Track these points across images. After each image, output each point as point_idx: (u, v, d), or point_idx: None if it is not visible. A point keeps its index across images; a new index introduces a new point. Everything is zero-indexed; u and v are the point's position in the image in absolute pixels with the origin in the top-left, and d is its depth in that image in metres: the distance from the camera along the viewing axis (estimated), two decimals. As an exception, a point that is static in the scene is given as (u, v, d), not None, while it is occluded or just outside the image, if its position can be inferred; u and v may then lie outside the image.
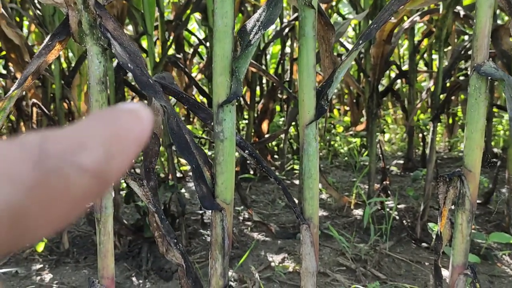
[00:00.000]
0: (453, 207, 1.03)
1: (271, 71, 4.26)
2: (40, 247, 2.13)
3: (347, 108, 5.08)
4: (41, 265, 2.10)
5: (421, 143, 3.48)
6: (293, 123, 3.42)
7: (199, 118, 0.98)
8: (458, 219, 0.96)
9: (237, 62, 0.84)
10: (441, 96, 2.28)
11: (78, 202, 0.19)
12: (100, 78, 0.82)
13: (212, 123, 0.94)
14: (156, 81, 0.89)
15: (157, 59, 2.44)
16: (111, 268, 0.90)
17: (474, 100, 0.92)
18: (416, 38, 2.99)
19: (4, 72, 3.71)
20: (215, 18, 0.82)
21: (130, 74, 3.84)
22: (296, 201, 2.83)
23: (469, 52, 2.50)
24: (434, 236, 1.97)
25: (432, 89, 2.41)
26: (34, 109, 2.07)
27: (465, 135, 0.94)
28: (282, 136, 3.48)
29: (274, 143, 3.96)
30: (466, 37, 3.25)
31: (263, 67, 3.54)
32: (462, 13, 2.32)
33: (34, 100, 2.04)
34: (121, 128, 0.20)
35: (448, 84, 2.38)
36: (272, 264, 2.06)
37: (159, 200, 0.96)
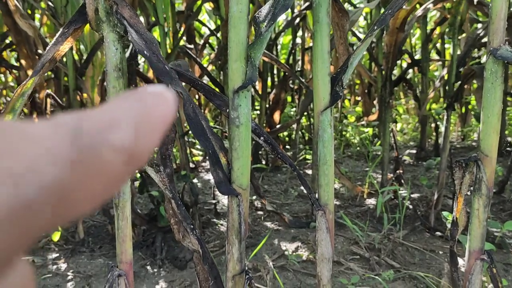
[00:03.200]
0: (469, 193, 1.02)
1: (282, 61, 4.24)
2: (56, 237, 2.16)
3: (358, 98, 5.06)
4: (57, 254, 2.13)
5: (434, 133, 3.46)
6: (304, 113, 3.42)
7: (214, 105, 0.98)
8: (474, 204, 0.96)
9: (252, 48, 0.84)
10: (455, 84, 2.27)
11: (112, 180, 0.19)
12: (117, 65, 0.83)
13: (227, 110, 0.94)
14: (172, 69, 0.89)
15: (169, 50, 2.44)
16: (129, 253, 0.91)
17: (490, 84, 0.91)
18: (428, 27, 2.96)
19: (16, 64, 3.74)
20: (230, 4, 0.82)
21: (141, 65, 3.85)
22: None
23: (483, 40, 2.47)
24: (448, 225, 1.96)
25: (445, 77, 2.40)
26: (48, 100, 2.08)
27: (481, 120, 0.94)
28: (294, 126, 3.48)
29: (285, 133, 3.96)
30: (479, 25, 3.21)
31: (275, 57, 3.53)
32: None
33: (49, 91, 2.05)
34: (149, 109, 0.21)
35: (461, 72, 2.36)
36: (286, 253, 2.07)
37: (175, 187, 0.97)
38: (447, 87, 2.35)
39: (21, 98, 0.83)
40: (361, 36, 4.29)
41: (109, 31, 0.81)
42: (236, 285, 0.95)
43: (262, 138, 0.99)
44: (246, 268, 0.99)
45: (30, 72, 2.25)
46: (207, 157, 3.73)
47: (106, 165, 0.19)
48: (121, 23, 0.80)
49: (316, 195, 1.02)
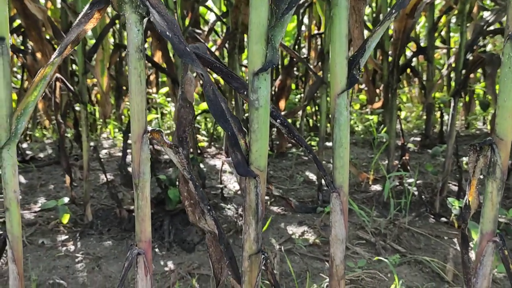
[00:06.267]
0: (481, 176, 1.04)
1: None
2: (65, 219, 2.18)
3: (361, 86, 5.06)
4: (66, 236, 2.15)
5: (439, 120, 3.47)
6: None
7: (232, 87, 0.99)
8: (488, 187, 0.97)
9: (273, 30, 0.85)
10: (462, 72, 2.27)
11: None
12: (139, 46, 0.84)
13: (244, 92, 0.95)
14: (191, 51, 0.90)
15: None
16: (148, 231, 0.93)
17: (507, 69, 0.92)
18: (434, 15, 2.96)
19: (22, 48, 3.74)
20: (252, -14, 0.83)
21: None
22: (315, 177, 2.85)
23: (490, 28, 2.47)
24: (453, 211, 1.98)
25: (453, 65, 2.40)
26: (58, 84, 2.09)
27: (497, 104, 0.95)
28: (299, 113, 3.49)
29: (289, 120, 3.98)
30: (486, 13, 3.21)
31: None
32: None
33: (58, 75, 2.06)
34: None
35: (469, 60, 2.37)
36: (293, 237, 2.09)
37: (191, 168, 0.98)
38: (453, 75, 2.35)
39: (44, 79, 0.84)
40: (367, 23, 4.28)
41: (131, 12, 0.82)
42: (253, 264, 0.97)
43: (278, 120, 0.99)
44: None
45: (39, 55, 2.25)
46: (212, 143, 3.74)
47: None
48: (143, 4, 0.81)
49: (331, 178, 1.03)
